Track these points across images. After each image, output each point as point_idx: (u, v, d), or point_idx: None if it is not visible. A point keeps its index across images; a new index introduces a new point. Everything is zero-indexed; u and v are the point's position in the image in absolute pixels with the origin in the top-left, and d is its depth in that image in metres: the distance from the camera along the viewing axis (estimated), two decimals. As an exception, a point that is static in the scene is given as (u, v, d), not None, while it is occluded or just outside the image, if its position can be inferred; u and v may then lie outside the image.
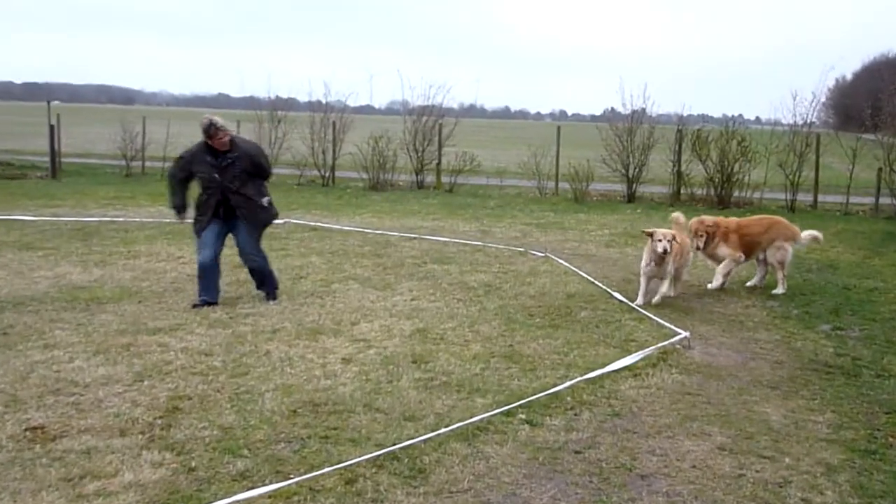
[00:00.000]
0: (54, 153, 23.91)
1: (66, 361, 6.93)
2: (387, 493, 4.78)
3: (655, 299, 9.50)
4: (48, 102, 27.30)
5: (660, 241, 9.17)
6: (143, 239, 13.24)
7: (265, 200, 9.39)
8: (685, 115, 23.40)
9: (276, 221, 15.18)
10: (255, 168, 9.27)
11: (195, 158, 9.23)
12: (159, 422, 5.68)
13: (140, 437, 5.43)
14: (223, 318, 8.42)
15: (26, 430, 5.48)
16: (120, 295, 9.36)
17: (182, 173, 9.47)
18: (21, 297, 9.16)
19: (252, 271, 9.52)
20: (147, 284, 9.94)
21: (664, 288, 9.64)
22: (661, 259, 9.26)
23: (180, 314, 8.56)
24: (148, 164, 24.77)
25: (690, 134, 21.34)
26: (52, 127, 23.83)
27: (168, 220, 15.22)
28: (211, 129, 9.06)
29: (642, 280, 9.71)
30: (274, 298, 9.39)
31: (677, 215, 10.68)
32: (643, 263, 9.65)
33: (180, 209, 9.53)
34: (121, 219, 15.41)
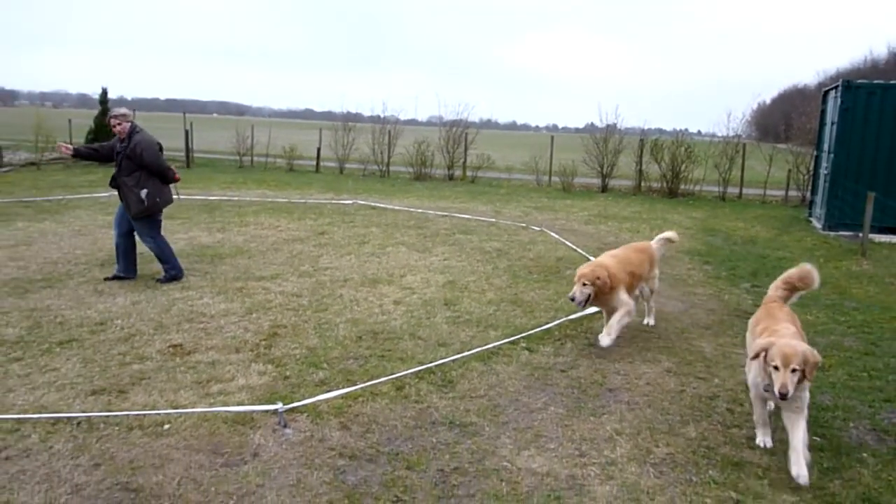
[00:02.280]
0: (188, 150, 23.96)
1: (196, 299, 6.99)
2: (426, 396, 4.80)
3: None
4: (184, 113, 27.33)
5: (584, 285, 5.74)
6: (251, 213, 13.24)
7: (143, 193, 7.52)
8: (645, 128, 23.18)
9: (346, 202, 15.33)
10: (137, 160, 7.51)
11: (115, 144, 7.70)
12: (263, 343, 5.72)
13: (249, 353, 5.48)
14: (309, 270, 8.44)
15: (169, 346, 5.55)
16: (234, 252, 9.40)
17: (98, 150, 7.95)
18: (165, 252, 9.22)
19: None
20: (254, 245, 9.97)
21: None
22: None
23: (278, 267, 8.58)
24: (255, 159, 24.76)
25: (649, 142, 21.05)
26: (186, 131, 23.86)
27: (269, 199, 15.31)
28: (110, 119, 7.80)
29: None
30: (163, 281, 7.63)
31: (671, 234, 6.99)
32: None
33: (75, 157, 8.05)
34: (235, 198, 15.42)
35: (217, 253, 9.28)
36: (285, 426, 4.23)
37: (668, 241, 6.94)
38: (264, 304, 6.86)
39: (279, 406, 4.34)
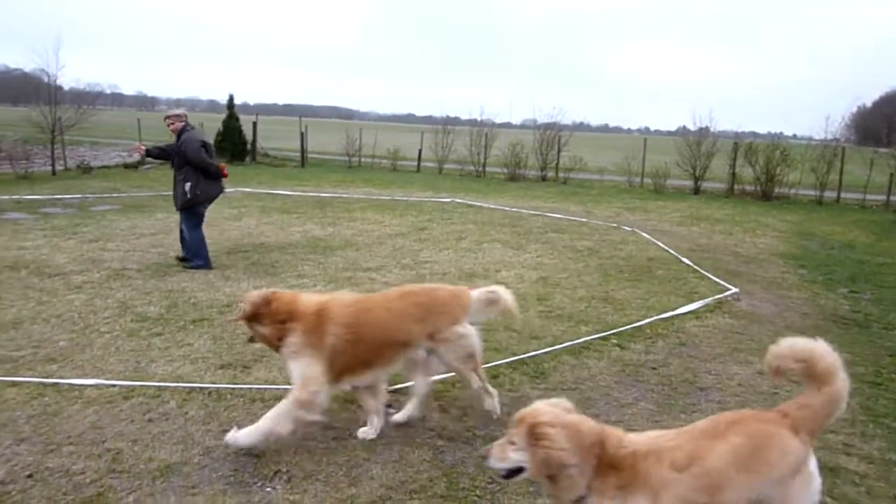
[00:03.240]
0: (303, 151, 24.86)
1: (310, 286, 7.23)
2: (519, 385, 4.80)
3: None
4: (300, 118, 28.38)
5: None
6: (359, 209, 13.59)
7: (187, 186, 7.75)
8: (739, 131, 22.24)
9: (445, 200, 15.48)
10: (183, 156, 7.73)
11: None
12: (369, 329, 5.87)
13: (357, 338, 5.64)
14: (410, 264, 8.58)
15: (287, 329, 5.79)
16: (344, 245, 9.68)
17: (164, 150, 8.15)
18: (282, 243, 9.63)
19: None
20: (361, 239, 10.23)
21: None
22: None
23: (382, 259, 8.77)
24: (363, 160, 25.40)
25: (744, 145, 20.14)
26: (301, 133, 24.75)
27: (374, 197, 15.67)
28: (165, 119, 8.08)
29: None
30: (190, 267, 7.81)
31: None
32: None
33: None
34: (344, 195, 15.88)
35: (328, 245, 9.58)
36: (389, 406, 4.33)
37: (495, 302, 4.24)
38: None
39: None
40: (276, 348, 3.78)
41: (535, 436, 2.41)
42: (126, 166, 20.09)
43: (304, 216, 12.25)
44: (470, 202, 15.31)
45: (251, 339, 3.95)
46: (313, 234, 10.50)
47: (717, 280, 8.15)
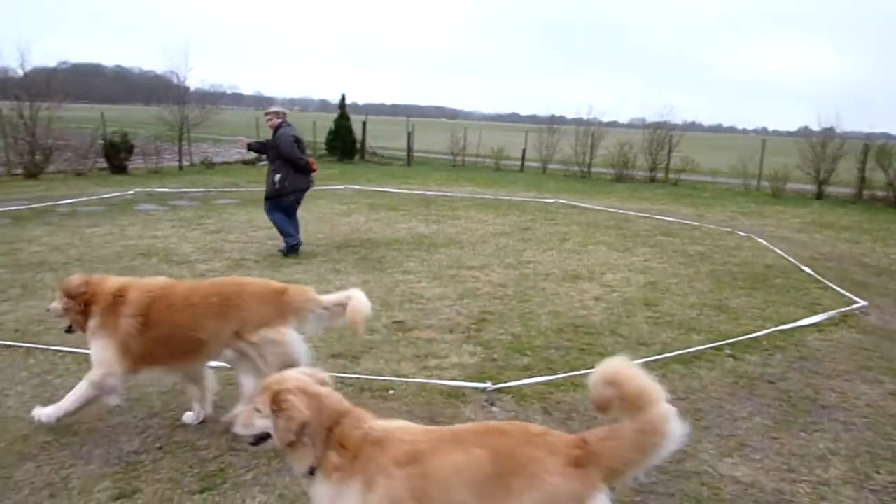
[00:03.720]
0: (409, 149, 25.35)
1: (415, 282, 7.38)
2: (625, 392, 4.67)
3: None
4: (407, 117, 28.96)
5: None
6: (463, 207, 13.69)
7: (276, 177, 8.33)
8: (870, 132, 20.53)
9: (549, 200, 15.32)
10: (276, 150, 8.30)
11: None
12: (473, 327, 5.90)
13: (461, 335, 5.68)
14: (513, 263, 8.56)
15: (393, 322, 5.92)
16: (448, 242, 9.79)
17: (264, 144, 8.72)
18: (389, 239, 9.86)
19: None
20: (465, 237, 10.30)
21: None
22: None
23: (486, 258, 8.80)
24: (467, 159, 25.59)
25: (875, 148, 18.62)
26: (408, 133, 25.25)
27: (478, 196, 15.74)
28: (265, 114, 8.72)
29: None
30: (283, 253, 8.42)
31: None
32: None
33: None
34: (449, 194, 16.05)
35: (433, 242, 9.72)
36: (492, 404, 4.34)
37: (343, 306, 3.79)
38: (474, 292, 7.07)
39: (488, 385, 4.47)
40: (84, 331, 3.72)
41: (277, 402, 2.33)
42: (244, 163, 21.23)
43: (409, 213, 12.49)
44: (574, 203, 15.07)
45: (69, 329, 3.85)
46: (418, 231, 10.68)
47: (843, 292, 7.58)
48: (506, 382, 4.64)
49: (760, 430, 4.20)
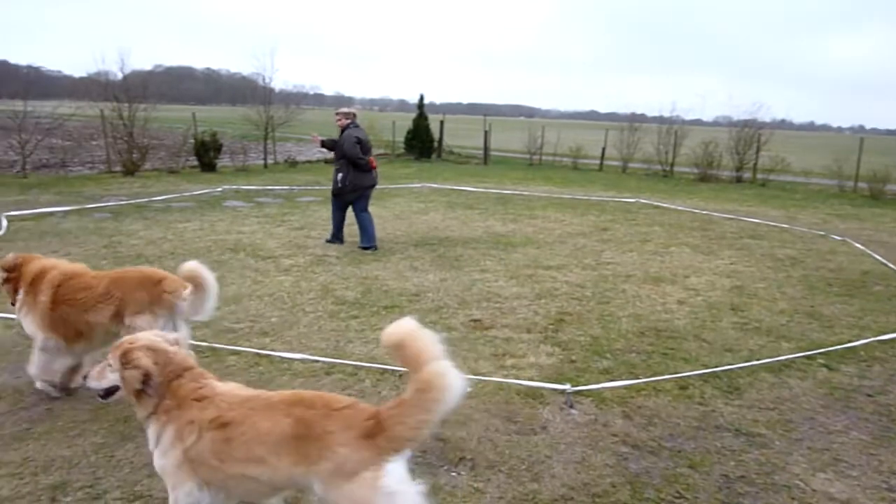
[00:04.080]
0: (486, 148, 25.36)
1: (493, 281, 7.38)
2: (710, 400, 4.51)
3: None
4: (484, 116, 28.98)
5: None
6: (539, 206, 13.59)
7: (339, 175, 8.74)
8: None
9: (629, 200, 14.99)
10: (340, 149, 8.69)
11: None
12: (551, 327, 5.85)
13: (539, 335, 5.65)
14: (592, 264, 8.43)
15: (470, 321, 5.94)
16: (525, 242, 9.73)
17: (335, 142, 8.95)
18: (466, 237, 9.90)
19: None
20: (542, 237, 10.22)
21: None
22: None
23: (563, 258, 8.70)
24: (544, 157, 25.37)
25: None
26: (485, 132, 25.26)
27: (555, 195, 15.58)
28: (335, 114, 9.07)
29: None
30: (329, 241, 9.01)
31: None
32: None
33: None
34: (525, 193, 15.95)
35: (510, 241, 9.69)
36: (571, 406, 4.29)
37: (195, 281, 3.88)
38: (551, 292, 7.01)
39: (567, 387, 4.42)
40: (13, 304, 4.12)
41: (125, 357, 2.61)
42: (326, 162, 21.77)
43: (486, 212, 12.49)
44: (656, 203, 14.69)
45: (13, 302, 4.14)
46: (495, 230, 10.67)
47: (952, 301, 7.08)
48: (585, 385, 4.59)
49: (857, 445, 3.97)
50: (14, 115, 16.77)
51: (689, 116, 25.00)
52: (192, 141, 18.82)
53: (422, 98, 25.10)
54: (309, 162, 22.03)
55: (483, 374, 4.71)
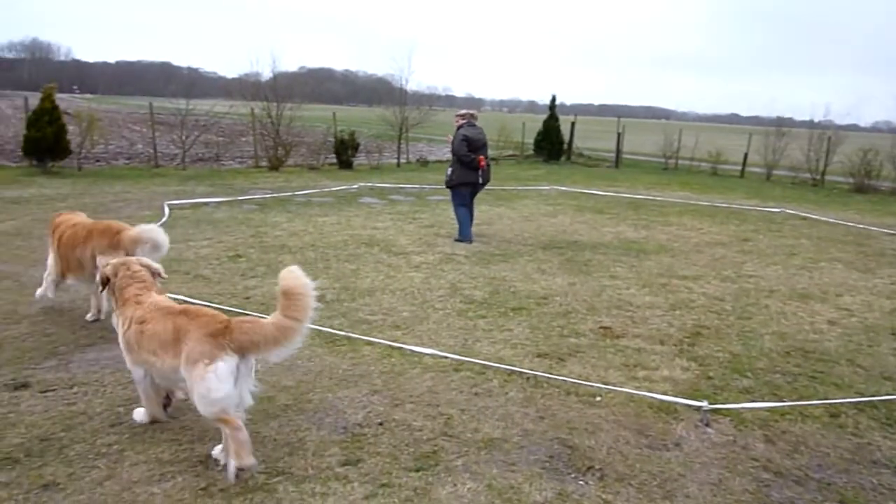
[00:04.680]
0: (618, 151, 24.70)
1: (623, 288, 7.18)
2: (865, 431, 4.14)
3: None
4: (618, 118, 28.23)
5: None
6: (674, 213, 13.05)
7: (449, 171, 9.41)
8: None
9: (773, 210, 14.03)
10: (452, 147, 9.37)
11: None
12: (686, 340, 5.60)
13: (673, 347, 5.42)
14: (731, 276, 7.97)
15: (600, 327, 5.81)
16: (658, 249, 9.39)
17: None
18: (595, 242, 9.69)
19: None
20: (677, 245, 9.81)
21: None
22: None
23: (700, 268, 8.30)
24: (680, 162, 24.33)
25: None
26: (618, 134, 24.60)
27: (692, 202, 14.89)
28: (455, 117, 9.62)
29: None
30: (456, 240, 9.26)
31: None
32: None
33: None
34: (659, 198, 15.38)
35: (642, 248, 9.38)
36: (707, 425, 4.09)
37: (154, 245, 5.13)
38: (687, 303, 6.71)
39: (704, 404, 4.21)
40: None
41: (102, 268, 3.97)
42: (455, 161, 22.12)
43: (616, 217, 12.17)
44: (804, 214, 13.67)
45: None
46: (626, 235, 10.37)
47: None
48: (723, 403, 4.35)
49: None
50: (177, 112, 18.40)
51: (843, 121, 23.03)
52: (333, 139, 19.77)
53: (553, 99, 24.86)
54: (439, 162, 22.46)
55: (612, 384, 4.59)
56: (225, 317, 3.30)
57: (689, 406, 4.28)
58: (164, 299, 3.62)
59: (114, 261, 3.87)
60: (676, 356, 5.21)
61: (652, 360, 5.11)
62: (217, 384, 3.10)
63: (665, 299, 6.80)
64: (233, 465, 3.21)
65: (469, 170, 9.18)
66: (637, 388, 4.56)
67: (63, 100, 15.75)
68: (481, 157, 9.18)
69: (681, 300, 6.79)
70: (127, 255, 4.80)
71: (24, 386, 4.21)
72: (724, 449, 3.84)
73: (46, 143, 14.66)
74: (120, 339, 3.61)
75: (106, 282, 3.75)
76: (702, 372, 4.93)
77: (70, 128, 15.72)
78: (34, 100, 15.91)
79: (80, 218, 5.60)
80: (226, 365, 3.12)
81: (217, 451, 3.40)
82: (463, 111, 9.62)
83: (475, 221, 9.94)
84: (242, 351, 3.17)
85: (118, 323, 3.64)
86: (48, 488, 3.15)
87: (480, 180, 9.29)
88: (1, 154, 18.58)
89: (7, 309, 5.60)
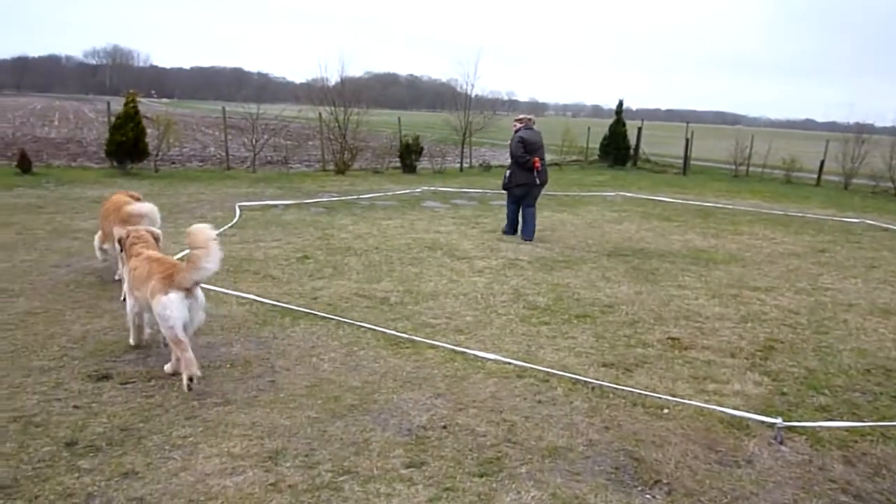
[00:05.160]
0: (686, 157, 24.09)
1: (692, 298, 6.99)
2: (956, 456, 3.90)
3: None
4: (686, 123, 27.53)
5: None
6: (745, 222, 12.64)
7: (507, 173, 9.92)
8: None
9: (852, 220, 13.42)
10: (509, 150, 9.86)
11: None
12: (759, 354, 5.41)
13: (745, 361, 5.25)
14: (806, 288, 7.66)
15: (667, 338, 5.68)
16: (728, 259, 9.11)
17: None
18: (662, 250, 9.47)
19: None
20: (748, 255, 9.49)
21: None
22: None
23: (773, 280, 8.00)
24: (752, 169, 23.54)
25: None
26: (686, 140, 23.99)
27: (764, 210, 14.38)
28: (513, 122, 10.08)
29: None
30: (505, 232, 9.99)
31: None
32: None
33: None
34: (729, 206, 14.92)
35: (711, 258, 9.12)
36: (781, 442, 3.94)
37: (149, 219, 6.04)
38: (759, 315, 6.48)
39: (778, 421, 4.05)
40: None
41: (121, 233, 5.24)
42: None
43: (684, 225, 11.87)
44: (885, 224, 13.01)
45: None
46: (694, 244, 10.10)
47: None
48: (799, 421, 4.18)
49: None
50: (248, 116, 18.99)
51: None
52: (398, 144, 20.00)
53: (621, 104, 24.48)
54: (501, 166, 22.35)
55: (681, 397, 4.48)
56: (174, 263, 4.53)
57: (763, 422, 4.13)
58: (154, 253, 4.78)
59: (129, 228, 5.22)
60: (748, 370, 5.04)
61: (722, 373, 4.96)
62: (164, 311, 4.23)
63: (736, 311, 6.59)
64: (185, 377, 4.20)
65: (525, 171, 9.56)
66: (706, 401, 4.43)
67: (142, 104, 16.43)
68: (536, 158, 9.52)
69: (752, 312, 6.57)
70: (133, 225, 5.88)
71: (106, 377, 4.42)
72: (799, 468, 3.69)
73: (127, 145, 15.37)
74: (125, 283, 5.00)
75: (121, 243, 5.10)
76: (775, 387, 4.75)
77: (148, 131, 16.44)
78: (116, 104, 16.72)
79: (117, 197, 6.58)
80: (169, 298, 4.24)
81: (168, 367, 4.52)
82: (521, 116, 10.04)
83: (538, 227, 9.89)
84: (181, 287, 4.27)
85: (126, 271, 4.99)
86: (128, 476, 3.29)
87: (537, 181, 9.63)
88: (85, 155, 19.61)
89: (90, 303, 5.90)
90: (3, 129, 29.77)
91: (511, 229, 9.95)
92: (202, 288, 4.52)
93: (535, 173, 9.54)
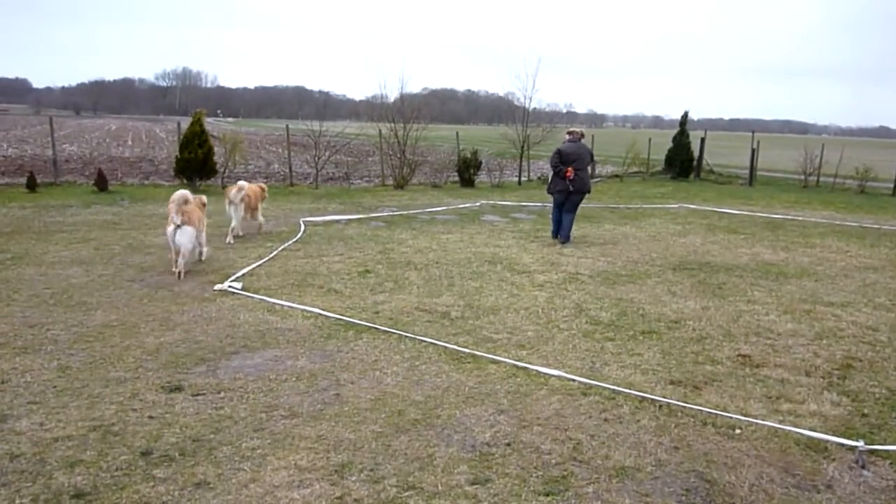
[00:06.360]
0: (752, 167, 23.36)
1: (762, 314, 6.75)
2: None
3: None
4: (752, 132, 26.73)
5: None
6: (817, 234, 12.14)
7: (550, 181, 10.71)
8: None
9: (888, 227, 12.73)
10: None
11: None
12: (836, 373, 5.17)
13: (821, 380, 5.01)
14: (886, 304, 7.29)
15: (738, 355, 5.49)
16: (800, 273, 8.76)
17: None
18: (729, 264, 9.19)
19: None
20: (821, 268, 9.10)
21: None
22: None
23: (848, 294, 7.65)
24: (822, 179, 22.65)
25: None
26: (752, 150, 23.27)
27: (837, 222, 13.79)
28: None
29: None
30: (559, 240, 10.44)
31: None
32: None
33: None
34: (799, 217, 14.37)
35: (781, 271, 8.79)
36: (864, 467, 3.74)
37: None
38: (835, 332, 6.20)
39: (860, 444, 3.85)
40: None
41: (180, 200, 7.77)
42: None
43: (752, 237, 11.50)
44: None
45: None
46: (763, 257, 9.76)
47: None
48: (882, 444, 3.97)
49: None
50: (310, 134, 19.44)
51: None
52: (456, 158, 20.12)
53: (685, 115, 24.00)
54: (560, 179, 22.26)
55: (754, 416, 4.31)
56: (191, 212, 7.69)
57: (842, 445, 3.93)
58: (198, 210, 8.04)
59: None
60: (825, 389, 4.81)
61: (797, 392, 4.75)
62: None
63: (809, 327, 6.32)
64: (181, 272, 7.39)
65: (559, 178, 10.32)
66: (781, 421, 4.25)
67: (209, 123, 17.08)
68: (570, 168, 10.18)
69: (827, 328, 6.29)
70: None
71: (178, 389, 4.57)
72: (883, 495, 3.49)
73: (196, 163, 15.97)
74: (194, 223, 7.75)
75: (185, 198, 7.69)
76: (855, 408, 4.52)
77: (215, 149, 17.03)
78: (185, 124, 17.40)
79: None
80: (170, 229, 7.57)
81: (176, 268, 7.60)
82: (572, 129, 11.06)
83: (599, 240, 9.76)
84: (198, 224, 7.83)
85: (193, 218, 7.75)
86: (200, 486, 3.38)
87: (571, 188, 10.22)
88: (156, 174, 20.44)
89: (163, 317, 6.13)
90: (81, 150, 31.34)
91: (556, 233, 10.64)
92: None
93: (568, 181, 10.18)
